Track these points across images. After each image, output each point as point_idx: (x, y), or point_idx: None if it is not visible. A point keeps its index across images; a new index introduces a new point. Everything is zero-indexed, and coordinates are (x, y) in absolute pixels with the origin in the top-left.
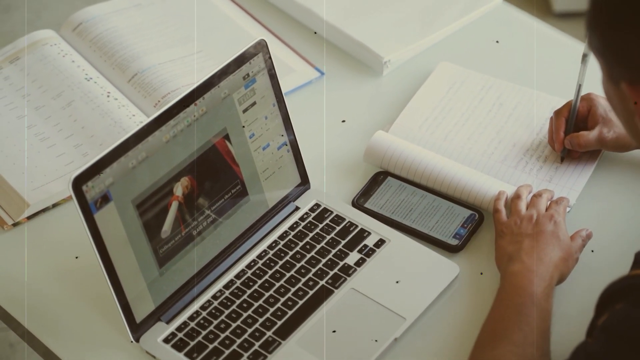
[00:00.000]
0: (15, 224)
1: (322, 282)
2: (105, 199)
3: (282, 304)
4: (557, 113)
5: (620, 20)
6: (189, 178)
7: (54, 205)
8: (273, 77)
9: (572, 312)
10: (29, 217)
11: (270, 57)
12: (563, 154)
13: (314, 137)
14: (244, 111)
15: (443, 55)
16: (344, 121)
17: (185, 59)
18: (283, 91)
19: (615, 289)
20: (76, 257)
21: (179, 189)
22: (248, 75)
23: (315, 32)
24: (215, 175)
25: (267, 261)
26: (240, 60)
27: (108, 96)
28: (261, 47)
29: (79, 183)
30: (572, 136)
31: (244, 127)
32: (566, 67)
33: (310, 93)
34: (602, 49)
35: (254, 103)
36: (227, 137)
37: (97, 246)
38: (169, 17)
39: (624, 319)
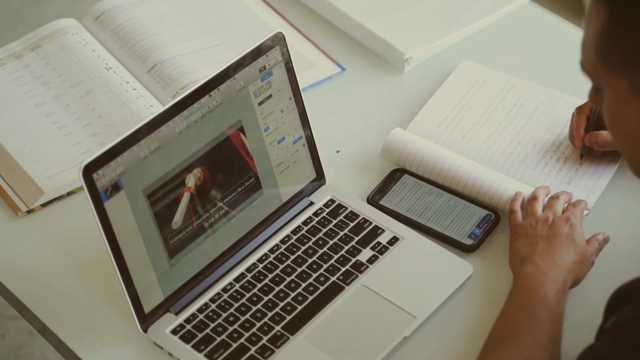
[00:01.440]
0: (29, 211)
1: (333, 278)
2: (115, 187)
3: (292, 299)
4: (579, 110)
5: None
6: (202, 169)
7: (69, 194)
8: (290, 70)
9: (587, 316)
10: (43, 205)
11: (287, 50)
12: (583, 152)
13: (331, 132)
14: (260, 104)
15: (466, 53)
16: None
17: (206, 51)
18: (303, 86)
19: (624, 292)
20: (85, 247)
21: (191, 180)
22: (264, 67)
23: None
24: (228, 168)
25: (279, 255)
26: (257, 53)
27: (127, 86)
28: (278, 39)
29: (89, 171)
30: (591, 134)
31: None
32: None
33: (330, 88)
34: (634, 59)
35: (270, 96)
36: (241, 129)
37: (106, 235)
38: (191, 9)
39: (631, 321)
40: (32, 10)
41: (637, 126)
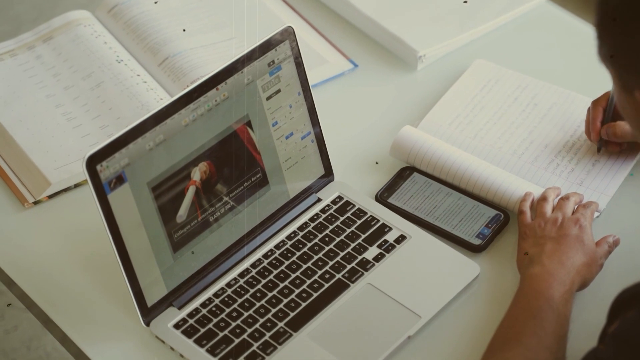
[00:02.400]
0: (36, 202)
1: (338, 276)
2: (119, 179)
3: (296, 296)
4: (595, 103)
5: (632, 27)
6: (208, 163)
7: (76, 186)
8: (299, 65)
9: (594, 319)
10: (50, 196)
11: (297, 45)
12: (600, 145)
13: (342, 129)
14: (268, 98)
15: (480, 52)
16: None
17: (218, 45)
18: (315, 82)
19: (628, 296)
20: (90, 239)
21: (196, 174)
22: (273, 62)
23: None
24: (235, 162)
25: (285, 252)
26: (266, 47)
27: (137, 79)
28: (288, 34)
29: (93, 162)
30: (608, 125)
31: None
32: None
33: (342, 85)
34: (614, 58)
35: (279, 91)
36: (249, 123)
37: (109, 227)
38: (204, 3)
39: (634, 326)
40: (53, 4)
41: (633, 115)
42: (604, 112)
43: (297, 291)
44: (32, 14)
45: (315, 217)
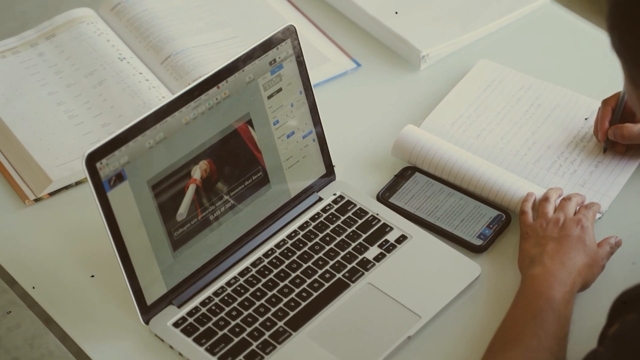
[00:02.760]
0: (37, 200)
1: (338, 275)
2: (119, 177)
3: (296, 295)
4: (605, 102)
5: (637, 27)
6: (208, 162)
7: (77, 183)
8: (301, 64)
9: (595, 320)
10: (51, 194)
11: (299, 44)
12: (606, 145)
13: (344, 128)
14: (269, 97)
15: (484, 52)
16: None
17: (220, 44)
18: (318, 80)
19: (628, 298)
20: (90, 237)
21: (197, 172)
22: (275, 60)
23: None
24: (235, 161)
25: (285, 251)
26: (267, 45)
27: (140, 77)
28: (290, 32)
29: (92, 160)
30: (616, 127)
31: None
32: (612, 70)
33: (345, 84)
34: (622, 51)
35: (280, 89)
36: (250, 122)
37: (109, 225)
38: (207, 1)
39: (634, 329)
40: (58, 2)
41: (638, 107)
42: (613, 112)
43: (297, 290)
44: (37, 11)
45: (316, 217)
